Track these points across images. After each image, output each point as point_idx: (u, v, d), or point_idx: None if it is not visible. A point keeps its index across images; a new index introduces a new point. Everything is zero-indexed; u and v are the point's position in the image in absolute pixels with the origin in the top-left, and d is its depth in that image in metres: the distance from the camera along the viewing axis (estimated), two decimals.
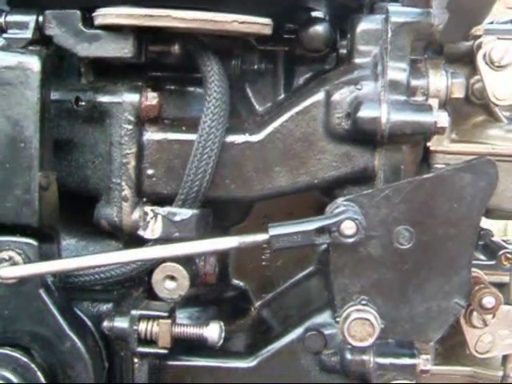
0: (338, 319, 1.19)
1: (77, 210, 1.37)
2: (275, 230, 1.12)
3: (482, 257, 1.44)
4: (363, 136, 1.24)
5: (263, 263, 1.48)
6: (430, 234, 1.17)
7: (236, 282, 1.49)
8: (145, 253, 1.16)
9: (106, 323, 1.27)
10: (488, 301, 1.20)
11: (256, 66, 1.37)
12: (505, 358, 1.30)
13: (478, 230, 1.18)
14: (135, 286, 1.37)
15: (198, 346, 1.37)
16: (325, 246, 1.38)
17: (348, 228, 1.12)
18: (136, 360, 1.27)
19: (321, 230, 1.13)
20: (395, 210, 1.16)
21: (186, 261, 1.36)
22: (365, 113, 1.21)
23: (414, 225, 1.17)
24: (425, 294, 1.19)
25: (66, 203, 1.31)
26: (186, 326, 1.25)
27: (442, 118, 1.21)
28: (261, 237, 1.13)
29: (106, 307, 1.35)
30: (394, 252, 1.17)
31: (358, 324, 1.17)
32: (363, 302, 1.19)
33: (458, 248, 1.17)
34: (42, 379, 1.19)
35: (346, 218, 1.12)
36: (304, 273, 1.47)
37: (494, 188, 1.16)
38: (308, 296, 1.45)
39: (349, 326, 1.17)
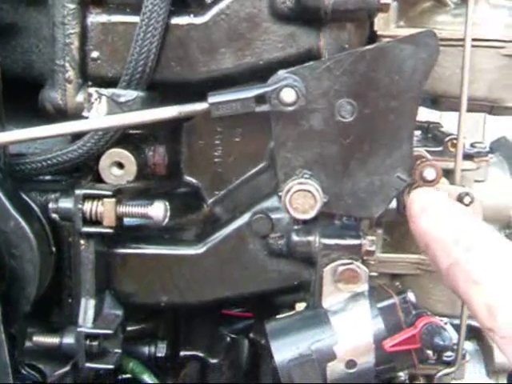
0: (280, 193, 1.20)
1: (23, 99, 1.36)
2: (214, 98, 1.12)
3: (430, 145, 1.44)
4: (307, 14, 1.23)
5: (215, 160, 1.47)
6: (371, 106, 1.17)
7: (188, 178, 1.48)
8: (85, 124, 1.15)
9: (51, 205, 1.27)
10: (429, 172, 1.21)
11: None
12: None
13: (419, 103, 1.18)
14: (84, 175, 1.36)
15: (147, 236, 1.38)
16: None
17: (287, 95, 1.12)
18: (82, 242, 1.27)
19: (261, 98, 1.13)
20: (337, 82, 1.16)
21: (134, 150, 1.36)
22: None
23: (356, 97, 1.17)
24: (367, 168, 1.20)
25: (12, 92, 1.30)
26: (130, 205, 1.25)
27: None
28: (200, 105, 1.13)
29: (54, 196, 1.34)
30: (336, 125, 1.18)
31: (300, 196, 1.18)
32: (306, 176, 1.20)
33: (400, 121, 1.18)
34: None
35: (285, 85, 1.12)
36: (256, 169, 1.46)
37: (435, 60, 1.16)
38: (259, 190, 1.45)
39: (291, 198, 1.18)
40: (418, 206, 1.14)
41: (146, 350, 1.48)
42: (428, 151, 1.35)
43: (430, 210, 1.12)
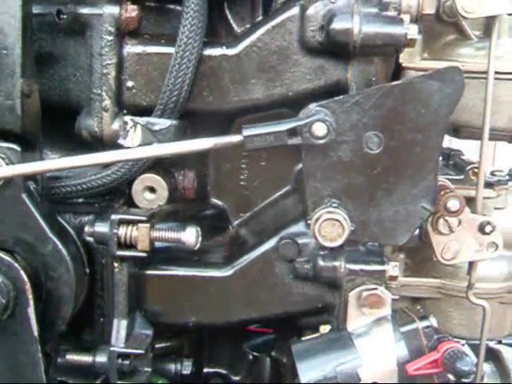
0: (309, 222, 1.24)
1: (60, 127, 1.41)
2: (249, 131, 1.17)
3: (451, 173, 1.49)
4: (336, 48, 1.28)
5: (241, 183, 1.51)
6: (398, 139, 1.22)
7: (215, 201, 1.53)
8: (122, 154, 1.20)
9: (86, 228, 1.31)
10: (453, 204, 1.25)
11: None
12: (470, 265, 1.35)
13: (444, 136, 1.23)
14: (116, 198, 1.41)
15: (176, 257, 1.42)
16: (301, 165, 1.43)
17: (319, 129, 1.17)
18: (116, 264, 1.31)
19: (293, 131, 1.17)
20: (365, 115, 1.21)
21: (165, 174, 1.40)
22: (338, 24, 1.25)
23: (384, 130, 1.21)
24: (393, 198, 1.24)
25: (50, 119, 1.34)
26: (164, 230, 1.30)
27: (413, 30, 1.25)
28: (235, 138, 1.17)
29: (87, 219, 1.39)
30: (363, 157, 1.22)
31: (329, 225, 1.22)
32: (334, 205, 1.24)
33: (425, 153, 1.22)
34: (25, 278, 1.23)
35: (317, 119, 1.17)
36: (281, 192, 1.51)
37: (461, 95, 1.21)
38: (284, 213, 1.49)
39: (320, 226, 1.23)
40: None
41: (172, 367, 1.53)
42: (450, 179, 1.40)
43: None
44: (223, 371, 1.67)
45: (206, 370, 1.66)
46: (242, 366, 1.68)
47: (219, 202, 1.53)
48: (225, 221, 1.54)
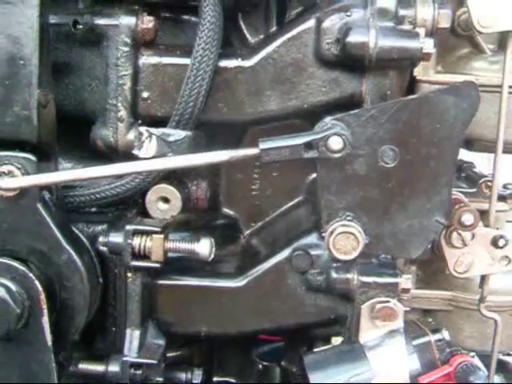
0: (324, 234, 1.24)
1: (74, 136, 1.41)
2: (265, 144, 1.17)
3: (464, 185, 1.49)
4: (352, 61, 1.28)
5: (253, 193, 1.52)
6: (413, 153, 1.22)
7: (226, 210, 1.53)
8: (139, 165, 1.20)
9: (101, 239, 1.32)
10: (467, 218, 1.25)
11: None
12: (483, 278, 1.36)
13: (459, 151, 1.23)
14: (129, 208, 1.41)
15: (188, 267, 1.43)
16: (313, 176, 1.44)
17: (335, 143, 1.17)
18: (129, 274, 1.32)
19: (309, 145, 1.17)
20: (381, 129, 1.21)
21: (179, 184, 1.41)
22: (353, 38, 1.25)
23: (399, 144, 1.21)
24: (407, 211, 1.24)
25: (64, 128, 1.35)
26: (178, 241, 1.30)
27: (428, 44, 1.25)
28: (251, 151, 1.18)
29: (100, 228, 1.39)
30: (378, 170, 1.22)
31: (343, 238, 1.23)
32: (348, 218, 1.24)
33: (440, 167, 1.22)
34: (40, 287, 1.23)
35: (333, 133, 1.17)
36: (292, 202, 1.51)
37: (476, 110, 1.21)
38: (296, 224, 1.49)
39: (334, 239, 1.23)
40: None
41: (183, 376, 1.52)
42: (462, 192, 1.40)
43: None
44: (233, 380, 1.67)
45: (215, 378, 1.66)
46: (251, 374, 1.68)
47: (231, 212, 1.53)
48: (236, 230, 1.54)
